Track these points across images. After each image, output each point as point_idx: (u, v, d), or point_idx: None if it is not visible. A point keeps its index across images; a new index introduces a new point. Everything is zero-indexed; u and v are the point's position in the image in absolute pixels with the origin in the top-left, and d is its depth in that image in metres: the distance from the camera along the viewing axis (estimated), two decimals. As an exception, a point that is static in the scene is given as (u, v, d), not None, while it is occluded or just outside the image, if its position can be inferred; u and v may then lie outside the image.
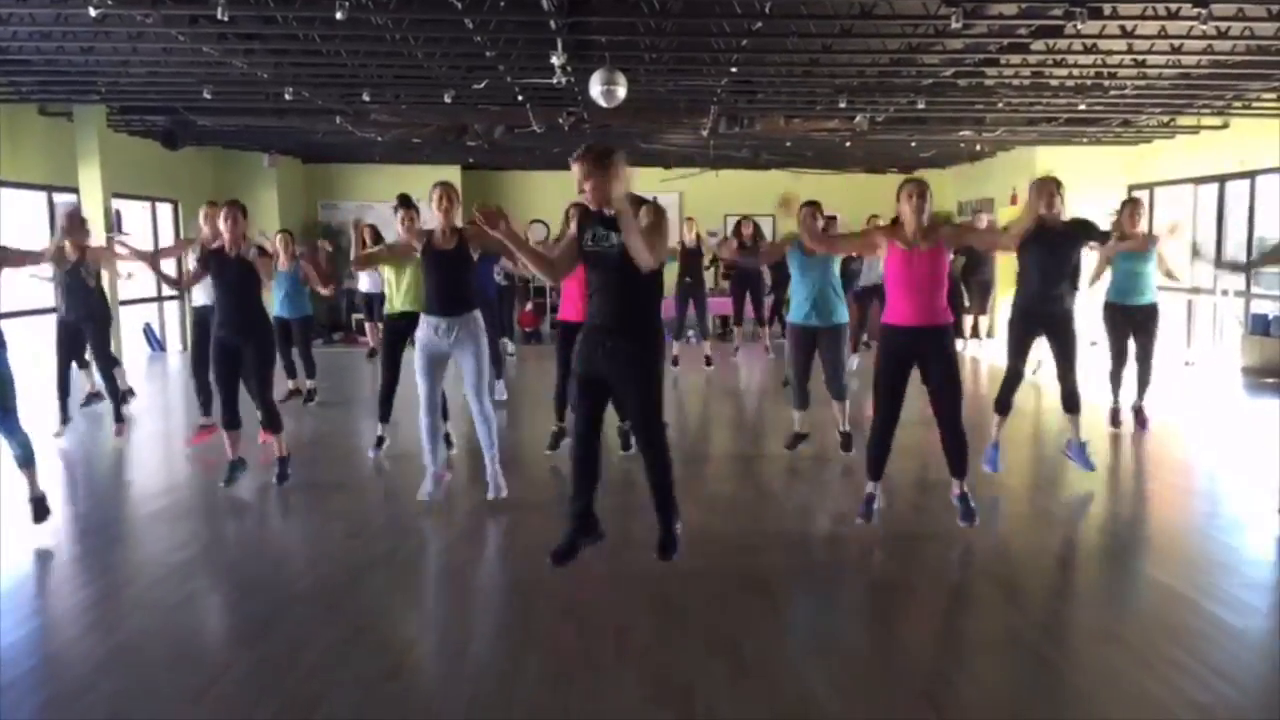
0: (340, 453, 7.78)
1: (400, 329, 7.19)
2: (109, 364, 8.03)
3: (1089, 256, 7.79)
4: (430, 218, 5.99)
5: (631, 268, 4.37)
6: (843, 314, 6.95)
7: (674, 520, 4.67)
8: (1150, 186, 14.14)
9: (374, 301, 12.63)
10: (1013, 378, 6.40)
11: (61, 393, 8.00)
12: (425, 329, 5.84)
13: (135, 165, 12.87)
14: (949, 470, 5.39)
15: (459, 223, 5.93)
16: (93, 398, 9.05)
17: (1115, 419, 7.93)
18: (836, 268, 6.93)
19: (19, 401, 5.46)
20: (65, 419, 8.04)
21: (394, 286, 7.31)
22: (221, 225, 6.18)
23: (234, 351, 6.25)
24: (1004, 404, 6.40)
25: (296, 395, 9.71)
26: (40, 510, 5.46)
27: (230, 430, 6.32)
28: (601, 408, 4.64)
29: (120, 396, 8.13)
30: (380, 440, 7.30)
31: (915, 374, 5.26)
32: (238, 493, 6.34)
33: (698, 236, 11.65)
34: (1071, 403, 6.35)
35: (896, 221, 5.27)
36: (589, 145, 4.49)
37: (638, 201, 4.45)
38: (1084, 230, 6.39)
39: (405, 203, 7.21)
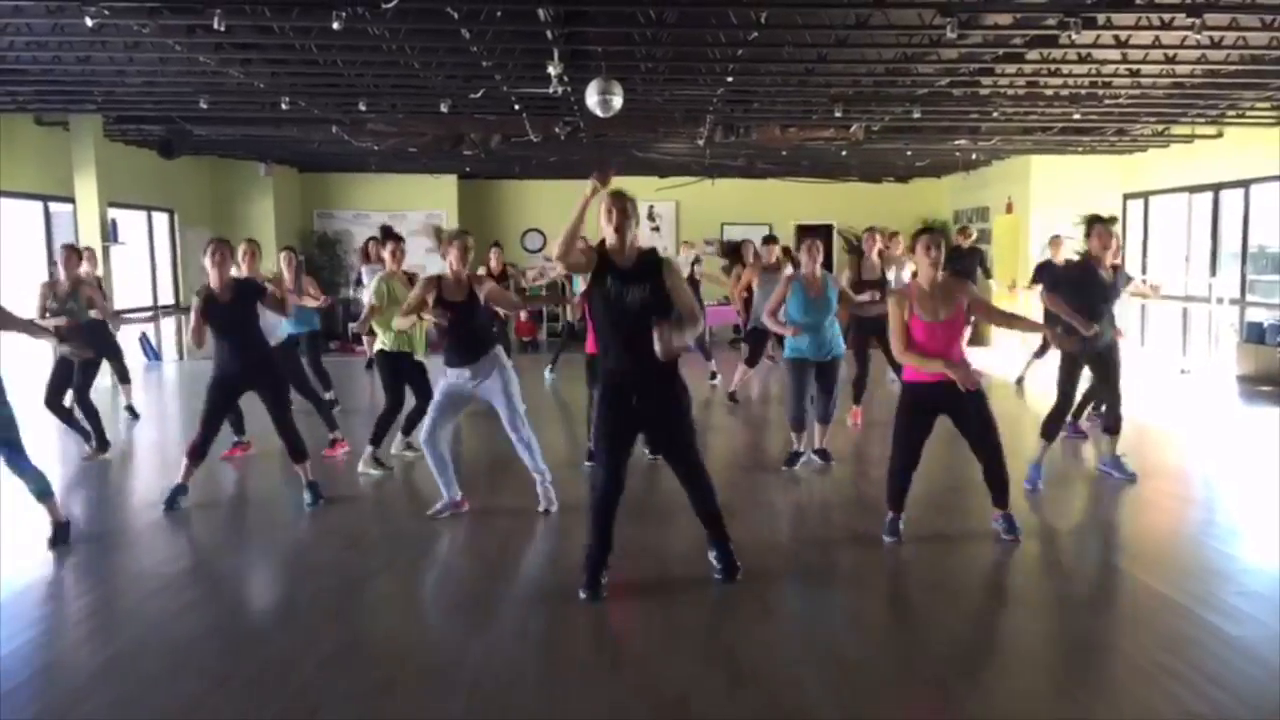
0: (337, 464, 7.76)
1: (394, 363, 7.23)
2: (84, 396, 7.86)
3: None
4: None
5: (653, 316, 4.41)
6: (841, 346, 7.11)
7: (729, 542, 4.85)
8: (1145, 195, 14.20)
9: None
10: (1064, 410, 6.61)
11: (87, 414, 7.86)
12: (451, 377, 5.83)
13: (132, 175, 12.88)
14: (992, 500, 5.47)
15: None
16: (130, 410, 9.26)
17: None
18: (835, 300, 6.98)
19: (23, 436, 5.42)
20: (100, 440, 7.89)
21: (382, 325, 7.16)
22: (208, 265, 6.12)
23: (236, 389, 6.25)
24: (1053, 432, 6.59)
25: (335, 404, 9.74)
26: (59, 536, 5.45)
27: (192, 461, 6.21)
28: (628, 459, 4.72)
29: (99, 421, 7.93)
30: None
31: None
32: (235, 504, 6.33)
33: (694, 264, 11.98)
34: (1115, 424, 6.58)
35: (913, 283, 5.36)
36: (622, 191, 4.55)
37: (657, 259, 4.57)
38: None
39: (390, 235, 7.28)
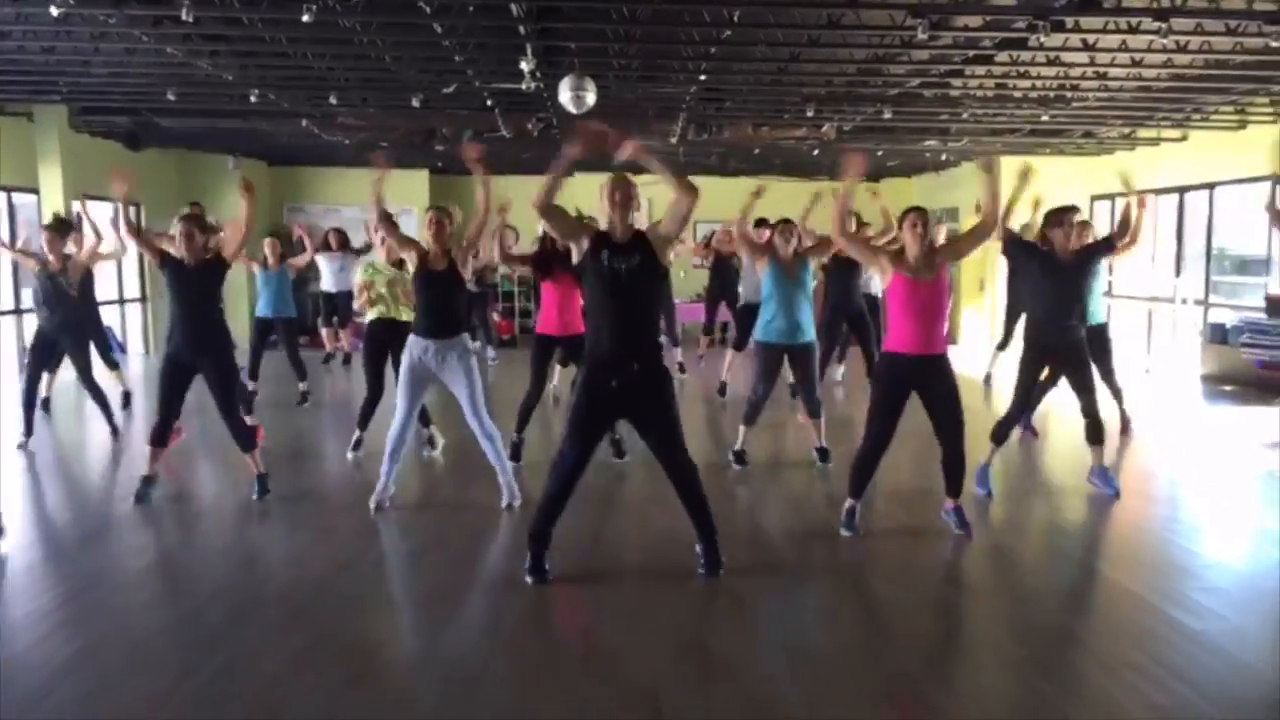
0: (307, 458, 7.72)
1: (379, 337, 7.20)
2: (88, 375, 7.90)
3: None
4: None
5: (645, 290, 4.56)
6: (812, 331, 7.00)
7: (716, 534, 4.84)
8: (1111, 197, 14.34)
9: (336, 301, 12.53)
10: (1017, 413, 6.34)
11: (27, 403, 7.79)
12: (414, 349, 5.82)
13: (97, 166, 12.65)
14: (945, 489, 5.49)
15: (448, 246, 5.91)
16: (126, 396, 9.41)
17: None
18: (810, 284, 6.97)
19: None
20: (29, 431, 7.79)
21: (386, 301, 7.26)
22: (179, 242, 6.02)
23: (187, 370, 6.10)
24: (1001, 436, 6.33)
25: (254, 397, 9.69)
26: None
27: (155, 446, 6.13)
28: (597, 445, 4.80)
29: (108, 407, 8.02)
30: (359, 441, 7.36)
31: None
32: (203, 498, 6.28)
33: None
34: (1096, 434, 6.28)
35: (900, 252, 5.38)
36: (623, 175, 4.68)
37: (642, 233, 4.70)
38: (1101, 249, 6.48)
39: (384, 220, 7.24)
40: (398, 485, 6.07)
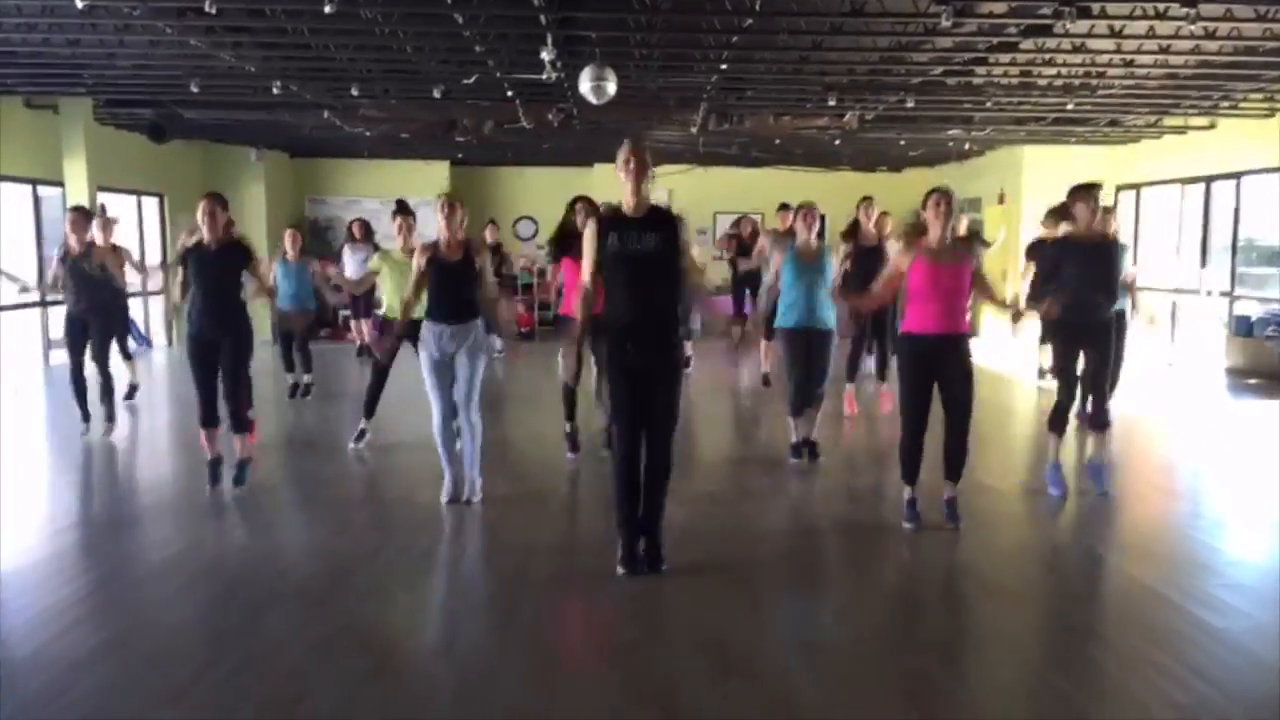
0: (326, 450, 7.74)
1: (398, 332, 7.23)
2: (104, 360, 7.95)
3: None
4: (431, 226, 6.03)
5: (664, 269, 4.56)
6: (832, 318, 6.91)
7: (662, 531, 4.77)
8: (1137, 187, 14.21)
9: (363, 297, 12.62)
10: (1066, 398, 6.24)
11: (77, 391, 7.88)
12: (430, 336, 5.81)
13: (121, 158, 12.79)
14: (944, 473, 5.45)
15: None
16: (132, 389, 9.34)
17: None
18: (831, 271, 6.91)
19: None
20: (86, 416, 7.88)
21: (390, 294, 7.30)
22: (200, 220, 6.08)
23: (211, 345, 6.16)
24: (1059, 425, 6.24)
25: (296, 389, 9.82)
26: None
27: (207, 428, 6.22)
28: (645, 414, 4.68)
29: (111, 395, 8.01)
30: (362, 433, 7.38)
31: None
32: (222, 490, 6.31)
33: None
34: (1099, 419, 6.23)
35: (920, 233, 5.35)
36: (638, 142, 4.65)
37: (671, 215, 4.67)
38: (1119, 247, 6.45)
39: (403, 209, 7.28)
40: (413, 479, 6.09)
